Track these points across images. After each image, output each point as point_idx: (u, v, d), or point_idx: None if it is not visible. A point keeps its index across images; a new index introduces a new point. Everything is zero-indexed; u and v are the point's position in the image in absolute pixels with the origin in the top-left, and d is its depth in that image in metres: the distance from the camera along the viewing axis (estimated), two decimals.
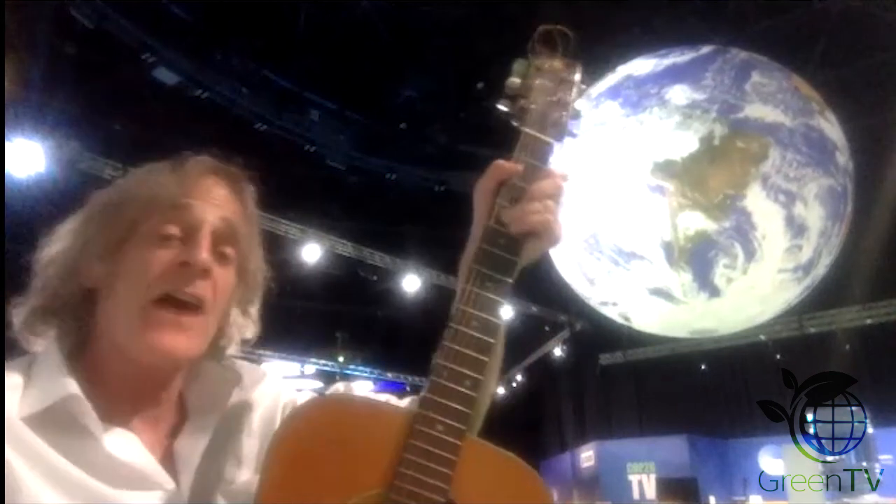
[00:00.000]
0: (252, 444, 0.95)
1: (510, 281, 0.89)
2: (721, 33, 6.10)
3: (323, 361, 11.42)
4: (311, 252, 8.55)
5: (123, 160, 6.50)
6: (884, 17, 6.38)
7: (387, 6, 7.31)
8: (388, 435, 0.82)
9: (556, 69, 1.00)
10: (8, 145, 5.61)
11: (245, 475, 0.92)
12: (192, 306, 0.88)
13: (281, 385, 1.04)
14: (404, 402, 1.06)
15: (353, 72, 7.98)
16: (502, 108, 0.98)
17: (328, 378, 11.29)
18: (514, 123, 0.98)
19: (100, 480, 0.80)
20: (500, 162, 0.96)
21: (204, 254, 0.89)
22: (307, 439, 0.82)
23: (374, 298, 10.22)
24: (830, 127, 4.91)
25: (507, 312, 0.88)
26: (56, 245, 0.90)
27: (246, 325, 1.01)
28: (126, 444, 0.84)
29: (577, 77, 1.00)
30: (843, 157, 4.93)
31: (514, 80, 0.98)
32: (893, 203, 6.86)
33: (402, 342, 11.10)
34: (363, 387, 11.85)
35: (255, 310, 1.02)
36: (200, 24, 7.17)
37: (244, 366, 1.01)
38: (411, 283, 9.59)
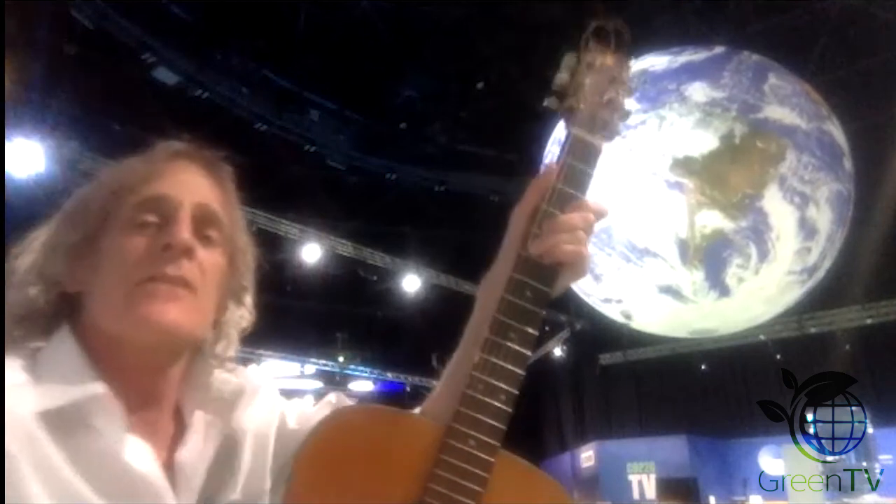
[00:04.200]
0: (247, 462, 0.91)
1: (542, 312, 0.87)
2: (721, 33, 6.11)
3: (323, 361, 11.42)
4: (311, 252, 8.55)
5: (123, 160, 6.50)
6: (884, 17, 6.38)
7: (387, 6, 7.31)
8: (419, 448, 0.80)
9: (608, 66, 0.93)
10: (8, 145, 5.61)
11: (239, 495, 0.88)
12: (181, 282, 0.83)
13: (276, 398, 1.00)
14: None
15: (353, 72, 7.98)
16: (550, 106, 0.93)
17: (328, 378, 11.31)
18: (563, 123, 0.93)
19: (103, 492, 0.74)
20: (537, 180, 0.92)
21: (185, 233, 0.84)
22: (334, 450, 0.80)
23: (374, 298, 10.22)
24: (837, 132, 4.95)
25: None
26: (30, 254, 0.85)
27: (242, 316, 0.94)
28: (142, 454, 0.79)
29: (628, 75, 0.95)
30: (848, 163, 4.97)
31: (563, 76, 0.92)
32: (893, 203, 6.86)
33: (402, 342, 11.12)
34: (363, 387, 11.87)
35: (249, 297, 0.95)
36: (200, 24, 7.17)
37: (243, 373, 0.96)
38: (411, 283, 9.59)
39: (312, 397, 1.08)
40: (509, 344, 0.84)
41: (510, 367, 0.83)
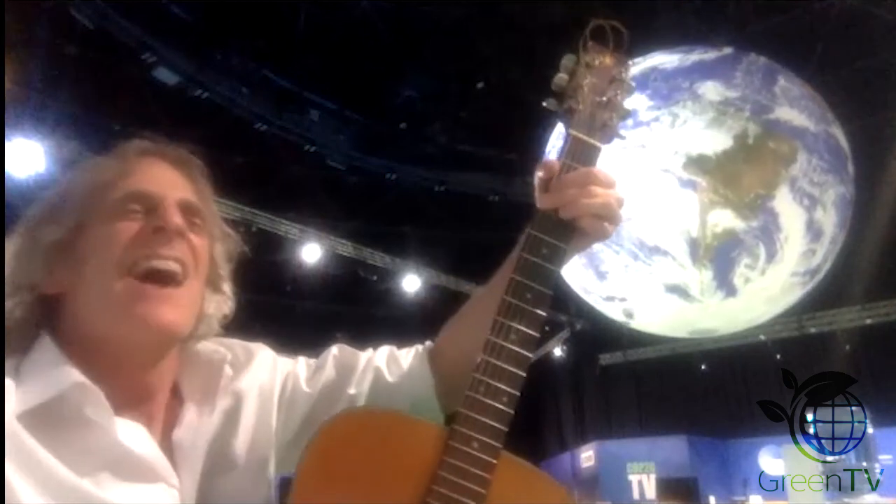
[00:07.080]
0: (251, 428, 0.92)
1: (549, 292, 0.87)
2: (721, 33, 6.10)
3: None
4: (311, 252, 8.55)
5: None
6: (884, 17, 6.38)
7: (387, 6, 7.31)
8: (423, 450, 0.81)
9: (607, 66, 0.95)
10: (8, 145, 5.61)
11: (242, 467, 0.90)
12: (173, 277, 0.84)
13: (276, 359, 1.03)
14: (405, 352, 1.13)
15: (353, 72, 7.97)
16: (549, 107, 0.95)
17: None
18: (562, 124, 0.94)
19: (101, 479, 0.75)
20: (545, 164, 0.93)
21: (177, 216, 0.86)
22: (338, 452, 0.81)
23: (374, 298, 10.21)
24: (841, 135, 4.96)
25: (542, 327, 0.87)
26: (7, 261, 0.84)
27: (222, 303, 0.96)
28: (136, 435, 0.80)
29: (628, 75, 0.96)
30: (851, 166, 4.99)
31: (562, 77, 0.93)
32: (893, 203, 6.86)
33: (402, 342, 11.08)
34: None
35: (227, 286, 0.98)
36: (200, 24, 7.16)
37: (235, 344, 0.98)
38: (411, 283, 9.59)
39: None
40: (514, 336, 0.84)
41: (511, 368, 0.83)
